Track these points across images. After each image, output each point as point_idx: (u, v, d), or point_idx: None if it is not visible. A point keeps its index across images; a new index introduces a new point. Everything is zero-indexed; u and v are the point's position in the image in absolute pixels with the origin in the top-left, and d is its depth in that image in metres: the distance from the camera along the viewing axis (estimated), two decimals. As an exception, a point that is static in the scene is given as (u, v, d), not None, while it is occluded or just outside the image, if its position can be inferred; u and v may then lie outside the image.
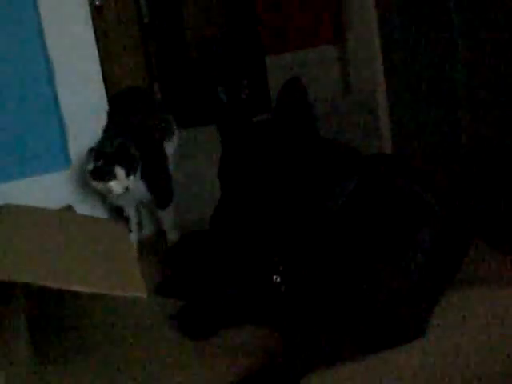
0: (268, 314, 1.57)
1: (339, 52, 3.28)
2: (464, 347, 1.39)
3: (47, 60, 2.19)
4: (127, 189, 1.90)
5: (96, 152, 1.92)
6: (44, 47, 2.19)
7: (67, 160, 2.15)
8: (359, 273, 1.44)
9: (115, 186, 1.89)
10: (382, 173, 1.58)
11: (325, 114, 2.89)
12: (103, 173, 1.89)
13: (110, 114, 2.18)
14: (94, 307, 1.81)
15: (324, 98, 2.99)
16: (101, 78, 2.27)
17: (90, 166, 1.91)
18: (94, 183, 1.91)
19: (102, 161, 1.90)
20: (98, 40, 2.31)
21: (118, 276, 1.34)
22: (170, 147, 2.19)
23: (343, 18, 3.15)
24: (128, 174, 1.89)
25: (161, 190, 2.03)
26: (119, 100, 2.26)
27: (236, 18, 3.51)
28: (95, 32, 2.29)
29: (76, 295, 1.79)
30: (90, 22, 2.25)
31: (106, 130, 2.09)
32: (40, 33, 2.17)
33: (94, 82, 2.25)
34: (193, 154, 2.82)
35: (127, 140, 1.95)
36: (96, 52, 2.25)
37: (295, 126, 1.48)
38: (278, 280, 1.52)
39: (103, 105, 2.26)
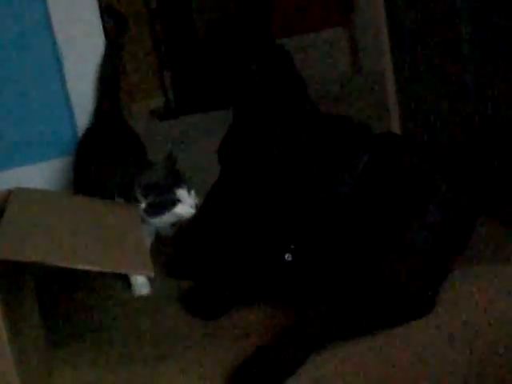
0: (279, 292, 1.58)
1: (348, 34, 3.27)
2: (473, 322, 1.39)
3: (55, 46, 2.20)
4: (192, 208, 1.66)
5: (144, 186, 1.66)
6: (52, 34, 2.20)
7: (76, 145, 2.15)
8: (369, 249, 1.45)
9: (182, 209, 1.66)
10: (391, 151, 1.58)
11: (334, 95, 2.90)
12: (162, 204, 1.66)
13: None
14: (104, 289, 1.84)
15: (333, 79, 3.00)
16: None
17: (143, 205, 1.65)
18: (155, 220, 1.68)
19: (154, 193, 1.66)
20: (105, 29, 2.32)
21: (126, 255, 1.35)
22: None
23: (351, 0, 3.15)
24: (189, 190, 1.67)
25: None
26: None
27: (244, 0, 3.51)
28: (102, 21, 2.30)
29: (86, 276, 1.82)
30: (98, 10, 2.26)
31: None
32: (48, 22, 2.18)
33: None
34: (201, 139, 2.83)
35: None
36: (103, 39, 2.26)
37: (289, 91, 1.48)
38: (290, 259, 1.53)
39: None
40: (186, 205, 1.65)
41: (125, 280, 1.81)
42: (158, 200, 1.66)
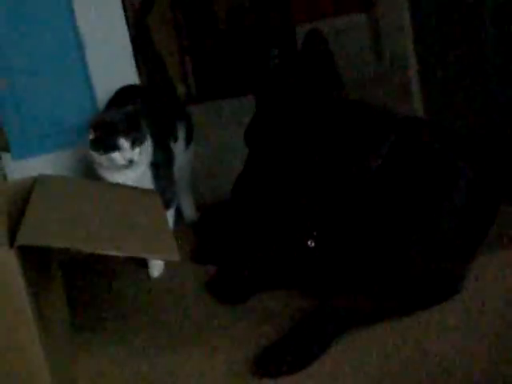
0: (302, 278, 1.58)
1: (370, 19, 3.25)
2: (497, 306, 1.39)
3: (78, 37, 2.21)
4: (131, 161, 1.74)
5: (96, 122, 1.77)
6: (74, 23, 2.22)
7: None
8: (394, 233, 1.44)
9: (118, 157, 1.74)
10: (416, 135, 1.57)
11: (357, 80, 2.88)
12: (105, 143, 1.74)
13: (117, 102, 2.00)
14: (128, 275, 1.85)
15: (356, 64, 2.98)
16: (132, 58, 2.28)
17: (90, 136, 1.75)
18: (95, 155, 1.76)
19: (104, 130, 1.74)
20: (127, 17, 2.32)
21: (151, 241, 1.35)
22: (176, 150, 2.02)
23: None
24: (133, 145, 1.74)
25: (162, 189, 1.81)
26: (134, 92, 2.08)
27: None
28: (125, 8, 2.30)
29: (111, 262, 1.84)
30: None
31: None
32: (70, 8, 2.20)
33: (125, 58, 2.27)
34: (223, 125, 2.83)
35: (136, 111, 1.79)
36: (126, 28, 2.26)
37: (320, 73, 1.48)
38: (313, 245, 1.53)
39: (134, 79, 2.28)
40: (123, 154, 1.73)
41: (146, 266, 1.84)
42: (102, 138, 1.74)
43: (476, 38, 1.86)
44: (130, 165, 1.75)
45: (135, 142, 1.74)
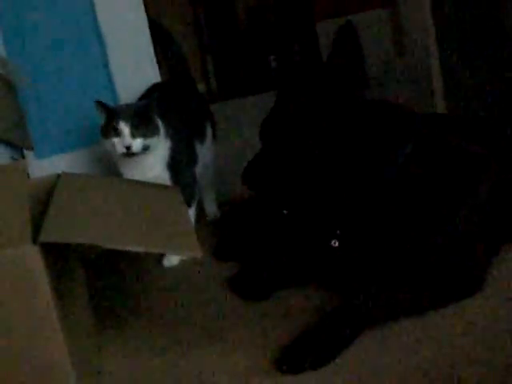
0: (325, 276, 1.58)
1: (391, 15, 3.24)
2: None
3: (99, 36, 2.23)
4: (129, 148, 1.77)
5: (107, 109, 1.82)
6: (95, 22, 2.23)
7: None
8: (417, 231, 1.43)
9: (117, 143, 1.78)
10: (437, 133, 1.56)
11: (379, 77, 2.87)
12: (107, 128, 1.80)
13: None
14: (152, 272, 1.86)
15: (378, 61, 2.97)
16: (153, 56, 2.30)
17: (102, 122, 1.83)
18: (103, 141, 1.83)
19: (109, 116, 1.81)
20: (149, 17, 2.34)
21: (174, 237, 1.36)
22: (203, 149, 2.05)
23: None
24: (134, 134, 1.77)
25: (183, 188, 1.77)
26: (162, 89, 2.11)
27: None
28: (146, 7, 2.31)
29: (132, 259, 1.84)
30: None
31: None
32: (92, 9, 2.21)
33: (146, 56, 2.28)
34: (245, 123, 2.83)
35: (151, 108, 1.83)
36: (148, 30, 2.28)
37: (349, 68, 1.46)
38: (336, 244, 1.52)
39: (157, 78, 2.30)
40: (122, 140, 1.76)
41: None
42: (106, 124, 1.80)
43: (499, 35, 1.85)
44: (131, 155, 1.78)
45: (137, 131, 1.77)
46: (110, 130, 1.79)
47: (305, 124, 1.48)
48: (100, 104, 1.83)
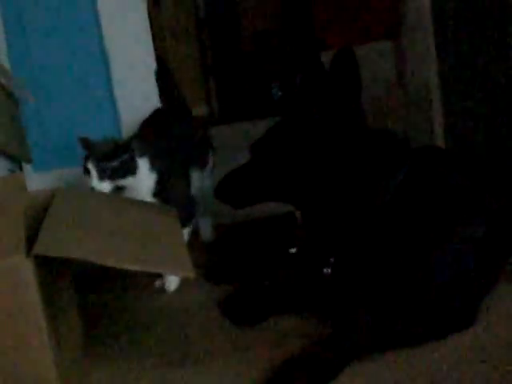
0: (317, 302, 1.58)
1: (394, 47, 3.26)
2: (511, 339, 1.37)
3: (104, 54, 2.24)
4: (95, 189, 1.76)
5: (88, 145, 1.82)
6: (101, 40, 2.25)
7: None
8: (409, 262, 1.43)
9: (90, 181, 1.77)
10: (432, 164, 1.56)
11: (379, 107, 2.88)
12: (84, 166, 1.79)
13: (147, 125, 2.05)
14: (140, 290, 1.86)
15: (379, 92, 2.98)
16: (154, 73, 2.31)
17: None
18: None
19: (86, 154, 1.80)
20: (153, 34, 2.35)
21: (167, 256, 1.36)
22: (202, 176, 2.07)
23: (398, 14, 3.13)
24: (100, 178, 1.76)
25: (177, 208, 1.74)
26: (160, 114, 2.12)
27: (291, 12, 3.51)
28: (151, 26, 2.33)
29: (123, 276, 1.84)
30: (147, 15, 2.30)
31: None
32: (97, 25, 2.23)
33: (148, 78, 2.30)
34: (244, 147, 2.83)
35: (127, 147, 1.80)
36: (152, 46, 2.29)
37: (346, 94, 1.47)
38: (329, 272, 1.52)
39: (157, 98, 2.31)
40: (92, 178, 1.75)
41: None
42: (84, 162, 1.79)
43: (503, 72, 1.87)
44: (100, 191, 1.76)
45: (105, 174, 1.76)
46: (85, 167, 1.78)
47: (296, 150, 1.49)
48: (82, 140, 1.82)
